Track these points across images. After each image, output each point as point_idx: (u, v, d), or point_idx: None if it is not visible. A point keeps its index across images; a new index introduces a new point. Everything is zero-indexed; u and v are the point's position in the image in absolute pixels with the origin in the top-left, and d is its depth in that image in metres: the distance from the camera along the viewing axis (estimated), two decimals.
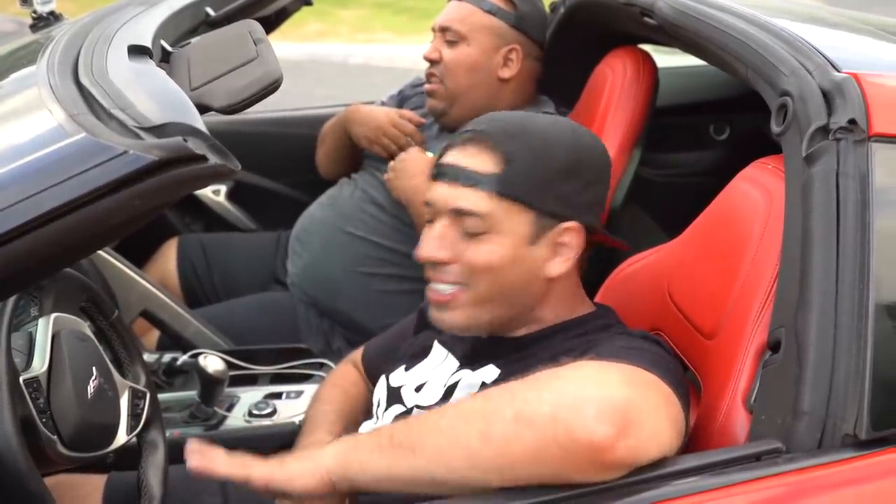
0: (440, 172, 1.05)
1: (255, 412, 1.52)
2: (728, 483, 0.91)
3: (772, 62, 1.14)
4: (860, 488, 0.95)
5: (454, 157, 1.04)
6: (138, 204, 0.76)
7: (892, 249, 1.00)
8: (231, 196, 2.23)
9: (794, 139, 1.06)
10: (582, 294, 1.14)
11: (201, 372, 1.43)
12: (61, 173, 0.74)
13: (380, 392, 1.21)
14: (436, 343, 1.18)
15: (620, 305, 1.33)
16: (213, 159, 0.76)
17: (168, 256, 1.99)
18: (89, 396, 1.06)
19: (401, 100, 1.99)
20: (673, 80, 2.05)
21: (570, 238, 1.05)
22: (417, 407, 1.12)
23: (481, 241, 1.02)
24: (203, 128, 0.78)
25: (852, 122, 1.01)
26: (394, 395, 1.18)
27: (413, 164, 1.70)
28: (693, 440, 1.09)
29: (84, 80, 0.86)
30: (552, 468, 0.83)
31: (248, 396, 1.56)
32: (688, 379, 1.06)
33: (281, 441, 1.39)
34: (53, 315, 1.10)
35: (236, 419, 1.51)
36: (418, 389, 1.15)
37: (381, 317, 1.73)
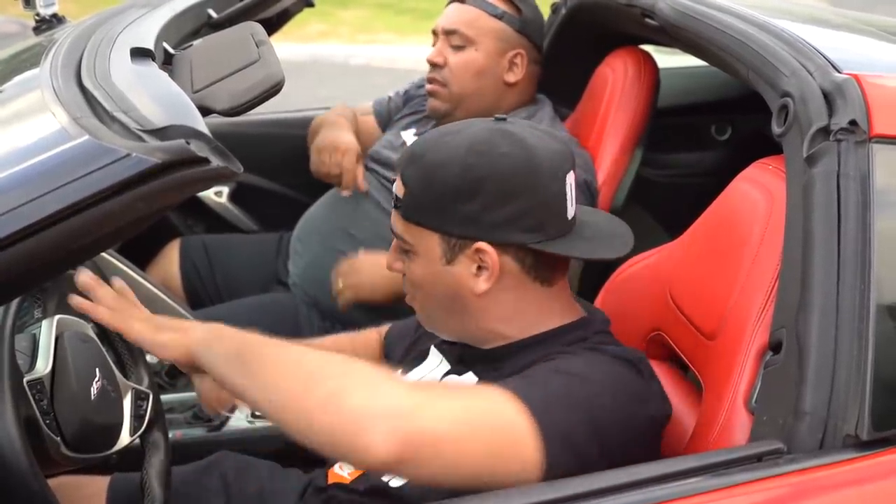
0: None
1: (257, 413, 1.52)
2: (730, 484, 0.91)
3: (772, 63, 1.14)
4: (862, 489, 0.95)
5: None
6: (141, 206, 0.76)
7: (893, 250, 1.00)
8: (233, 197, 2.23)
9: (795, 140, 1.06)
10: (559, 306, 1.10)
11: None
12: (65, 176, 0.74)
13: None
14: (432, 348, 1.19)
15: (622, 306, 1.33)
16: (216, 162, 0.76)
17: (170, 258, 1.99)
18: (92, 398, 1.06)
19: (406, 99, 1.99)
20: (674, 80, 2.06)
21: (485, 258, 1.03)
22: None
23: (409, 259, 1.07)
24: (206, 130, 0.79)
25: (853, 123, 1.02)
26: None
27: (368, 267, 1.69)
28: (694, 441, 1.09)
29: (87, 83, 0.86)
30: (336, 452, 0.92)
31: None
32: (658, 416, 1.05)
33: (283, 442, 1.39)
34: (57, 317, 1.10)
35: (239, 420, 1.52)
36: None
37: (381, 318, 1.73)
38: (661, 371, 1.26)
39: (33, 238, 0.74)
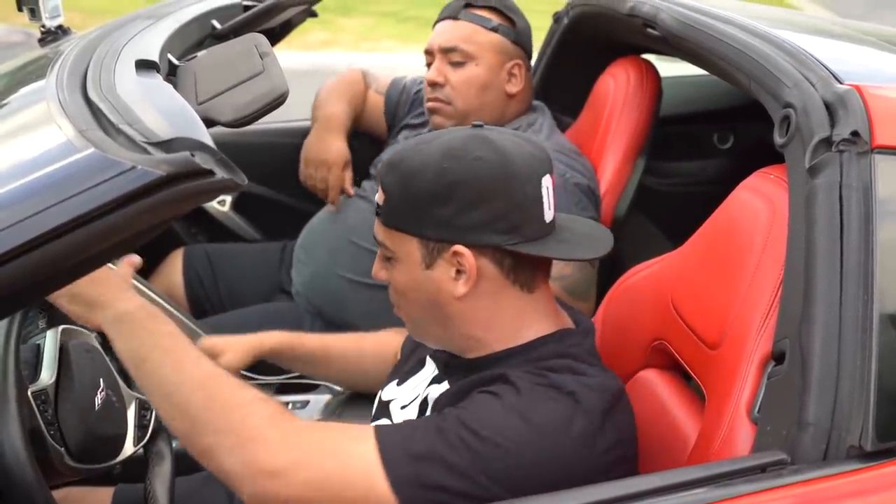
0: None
1: None
2: (733, 495, 0.91)
3: (775, 74, 1.15)
4: (866, 500, 0.95)
5: None
6: (146, 218, 0.76)
7: None
8: (236, 206, 2.23)
9: (798, 151, 1.06)
10: (539, 314, 1.10)
11: None
12: (70, 188, 0.74)
13: (375, 404, 1.23)
14: (427, 357, 1.20)
15: (624, 316, 1.34)
16: (220, 174, 0.76)
17: (174, 267, 2.00)
18: (96, 408, 1.07)
19: (413, 101, 1.98)
20: (676, 89, 2.06)
21: (462, 261, 1.04)
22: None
23: (391, 266, 1.10)
24: (210, 142, 0.79)
25: (855, 133, 1.02)
26: (382, 409, 1.20)
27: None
28: (697, 450, 1.09)
29: (92, 95, 0.86)
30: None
31: None
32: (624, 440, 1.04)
33: None
34: (61, 327, 1.11)
35: None
36: (404, 407, 1.17)
37: (385, 327, 1.74)
38: (663, 380, 1.26)
39: (39, 250, 0.74)
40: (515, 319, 1.09)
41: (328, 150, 1.91)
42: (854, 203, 0.99)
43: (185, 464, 1.23)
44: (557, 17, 2.03)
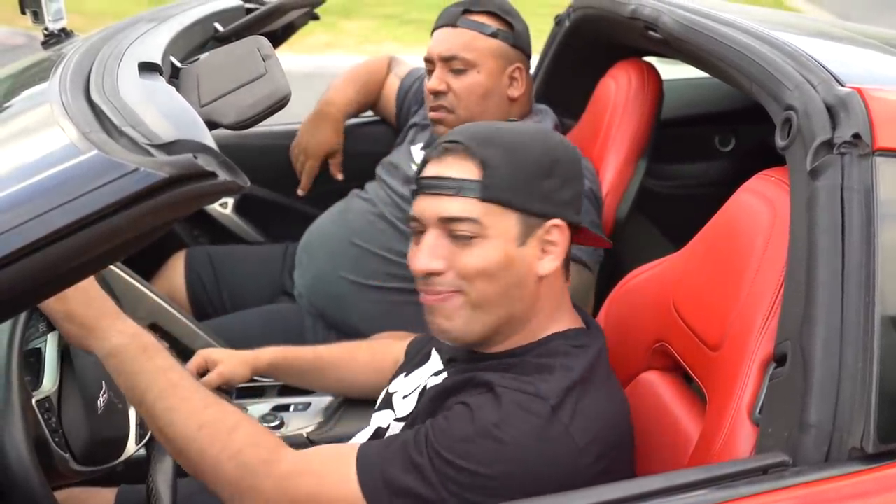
0: (423, 185, 1.07)
1: (262, 424, 1.52)
2: (735, 497, 0.91)
3: (776, 76, 1.15)
4: (867, 501, 0.95)
5: (435, 170, 1.07)
6: (149, 220, 0.76)
7: None
8: (238, 209, 2.23)
9: (799, 153, 1.06)
10: (566, 307, 1.13)
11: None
12: (74, 190, 0.74)
13: (381, 396, 1.23)
14: (433, 350, 1.20)
15: (626, 317, 1.34)
16: (223, 176, 0.77)
17: (176, 269, 2.00)
18: (99, 411, 1.07)
19: (422, 102, 1.99)
20: (677, 91, 2.06)
21: (556, 235, 1.07)
22: (398, 419, 1.15)
23: (473, 245, 1.04)
24: (213, 145, 0.79)
25: (856, 136, 1.02)
26: (386, 401, 1.20)
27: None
28: (698, 452, 1.09)
29: (95, 98, 0.86)
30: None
31: (256, 409, 1.57)
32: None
33: None
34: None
35: None
36: (405, 397, 1.17)
37: (388, 329, 1.74)
38: (664, 382, 1.27)
39: (42, 252, 0.74)
40: (554, 310, 1.10)
41: (313, 137, 2.00)
42: (855, 205, 0.99)
43: None
44: (559, 20, 2.03)
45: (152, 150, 0.77)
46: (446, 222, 1.05)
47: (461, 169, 1.04)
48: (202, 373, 1.39)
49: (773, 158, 1.20)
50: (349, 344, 1.50)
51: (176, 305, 1.74)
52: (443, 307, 1.06)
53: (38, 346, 1.09)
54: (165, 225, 0.79)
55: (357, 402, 1.48)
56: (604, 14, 1.81)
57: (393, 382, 1.23)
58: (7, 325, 1.01)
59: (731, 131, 2.23)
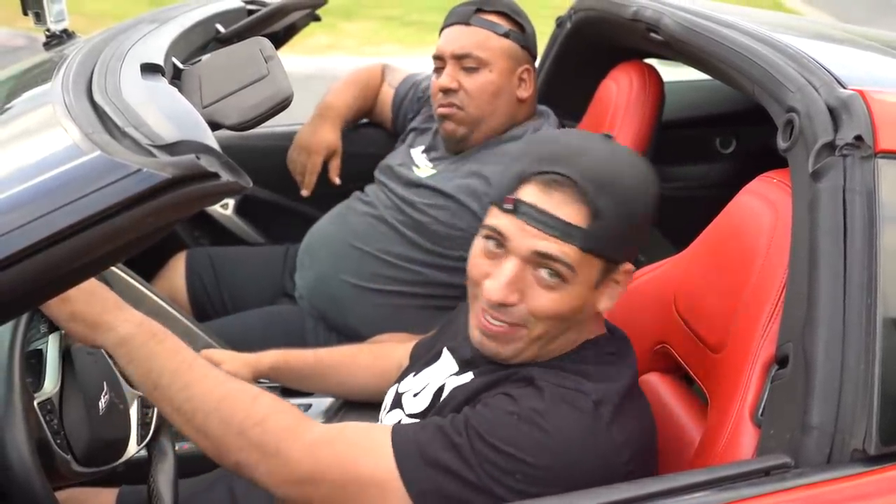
0: (522, 211, 1.00)
1: None
2: (737, 498, 0.91)
3: (778, 79, 1.15)
4: (869, 503, 0.95)
5: (537, 199, 1.00)
6: (151, 221, 0.76)
7: None
8: (239, 210, 2.23)
9: (801, 155, 1.06)
10: (597, 320, 1.12)
11: None
12: (76, 191, 0.74)
13: (389, 395, 1.23)
14: (445, 350, 1.19)
15: (627, 319, 1.33)
16: (226, 176, 0.77)
17: (176, 270, 2.00)
18: (101, 413, 1.07)
19: (420, 106, 1.99)
20: (678, 93, 2.06)
21: (624, 277, 1.06)
22: (409, 416, 1.14)
23: (556, 289, 1.01)
24: (216, 146, 0.79)
25: (858, 138, 1.02)
26: (396, 401, 1.20)
27: None
28: (700, 453, 1.09)
29: (98, 99, 0.86)
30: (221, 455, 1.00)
31: None
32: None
33: None
34: (63, 331, 1.10)
35: None
36: (416, 395, 1.16)
37: (388, 332, 1.74)
38: (666, 384, 1.27)
39: (44, 253, 0.74)
40: (590, 325, 1.10)
41: (314, 136, 2.00)
42: (857, 207, 1.00)
43: (190, 466, 1.23)
44: (560, 22, 2.03)
45: (155, 151, 0.77)
46: (538, 257, 1.00)
47: (570, 212, 0.98)
48: None
49: (774, 160, 1.20)
50: (351, 347, 1.49)
51: (176, 306, 1.74)
52: (501, 336, 1.04)
53: (39, 348, 1.09)
54: (168, 226, 0.79)
55: (358, 403, 1.48)
56: (605, 16, 1.82)
57: (402, 382, 1.22)
58: (8, 326, 1.01)
59: (731, 133, 2.23)
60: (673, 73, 2.04)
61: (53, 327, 1.11)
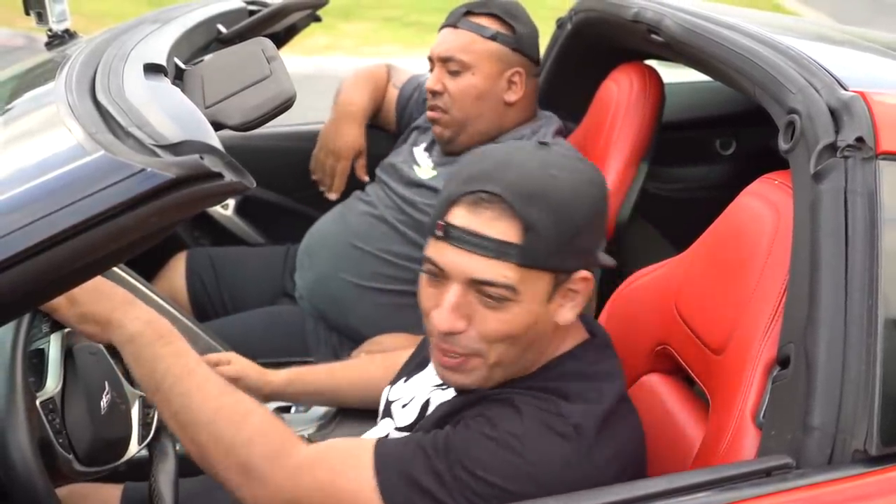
0: (452, 236, 0.97)
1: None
2: (739, 498, 0.92)
3: (779, 80, 1.15)
4: None
5: (467, 221, 0.97)
6: (155, 221, 0.76)
7: None
8: (239, 210, 2.23)
9: (802, 156, 1.07)
10: (574, 325, 1.08)
11: None
12: (80, 191, 0.74)
13: (382, 399, 1.23)
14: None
15: (628, 320, 1.34)
16: (229, 177, 0.77)
17: (177, 270, 2.00)
18: (103, 412, 1.07)
19: (421, 107, 1.99)
20: (678, 95, 2.06)
21: (582, 286, 1.02)
22: (398, 428, 1.14)
23: (502, 310, 0.97)
24: (219, 146, 0.79)
25: (860, 139, 1.02)
26: (387, 409, 1.20)
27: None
28: (701, 455, 1.09)
29: (101, 98, 0.86)
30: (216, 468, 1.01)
31: None
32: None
33: None
34: (65, 330, 1.10)
35: None
36: (405, 406, 1.16)
37: (389, 331, 1.74)
38: (667, 385, 1.27)
39: (48, 252, 0.74)
40: (564, 337, 1.07)
41: (340, 138, 1.97)
42: (859, 208, 1.00)
43: (191, 466, 1.23)
44: (560, 23, 2.03)
45: (159, 151, 0.77)
46: (477, 283, 0.97)
47: (500, 229, 0.95)
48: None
49: (774, 162, 1.20)
50: (361, 360, 1.48)
51: (177, 306, 1.74)
52: (459, 367, 1.02)
53: (41, 347, 1.09)
54: (171, 225, 0.80)
55: (353, 410, 1.48)
56: (606, 17, 1.82)
57: (394, 388, 1.22)
58: (10, 326, 1.01)
59: (731, 135, 2.23)
60: (673, 74, 2.04)
61: (55, 326, 1.11)
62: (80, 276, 0.83)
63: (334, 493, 0.97)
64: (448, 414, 1.04)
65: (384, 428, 1.18)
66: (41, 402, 1.00)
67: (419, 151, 1.89)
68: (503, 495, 0.94)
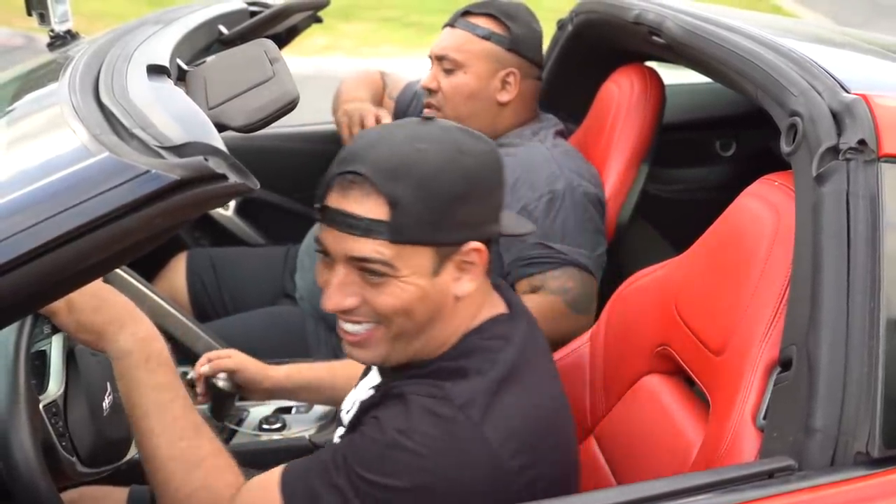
0: (329, 218, 1.00)
1: (265, 426, 1.52)
2: (741, 500, 0.92)
3: (781, 82, 1.15)
4: None
5: (338, 202, 0.98)
6: (159, 222, 0.76)
7: None
8: (240, 210, 2.24)
9: (804, 159, 1.07)
10: (486, 301, 1.07)
11: (212, 386, 1.44)
12: (85, 192, 0.74)
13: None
14: None
15: (628, 320, 1.34)
16: (234, 178, 0.77)
17: (177, 271, 2.00)
18: (104, 413, 1.07)
19: (419, 110, 1.99)
20: (679, 96, 2.07)
21: (474, 257, 1.01)
22: (341, 436, 1.14)
23: (385, 285, 0.98)
24: (223, 147, 0.79)
25: (862, 142, 1.02)
26: (339, 417, 1.20)
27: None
28: (702, 456, 1.09)
29: (105, 100, 0.86)
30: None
31: (258, 411, 1.57)
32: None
33: (291, 455, 1.39)
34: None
35: (246, 433, 1.52)
36: (347, 412, 1.16)
37: None
38: (667, 386, 1.27)
39: (52, 254, 0.74)
40: (474, 314, 1.06)
41: (369, 109, 1.90)
42: (861, 211, 1.00)
43: None
44: (561, 24, 2.04)
45: (163, 153, 0.77)
46: (356, 261, 0.99)
47: (368, 207, 0.96)
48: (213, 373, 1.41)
49: (774, 163, 1.20)
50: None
51: (177, 307, 1.74)
52: (362, 342, 1.03)
53: (42, 349, 1.09)
54: (176, 227, 0.80)
55: None
56: (607, 18, 1.82)
57: (348, 396, 1.22)
58: (12, 328, 1.01)
59: (732, 136, 2.24)
60: (673, 75, 2.05)
61: (57, 328, 1.11)
62: (85, 278, 0.83)
63: None
64: (362, 412, 1.05)
65: (338, 434, 1.17)
66: (44, 406, 1.00)
67: None
68: (405, 494, 0.94)
